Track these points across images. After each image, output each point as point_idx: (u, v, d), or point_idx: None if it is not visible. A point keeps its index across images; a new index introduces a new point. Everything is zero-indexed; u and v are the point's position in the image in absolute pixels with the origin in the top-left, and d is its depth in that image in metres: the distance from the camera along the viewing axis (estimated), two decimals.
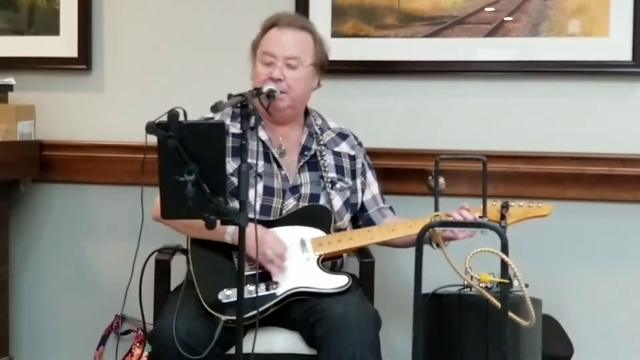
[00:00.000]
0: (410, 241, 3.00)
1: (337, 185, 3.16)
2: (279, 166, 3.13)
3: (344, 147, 3.26)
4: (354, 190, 3.23)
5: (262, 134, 3.05)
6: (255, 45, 3.19)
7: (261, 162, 3.00)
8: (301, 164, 3.16)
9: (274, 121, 3.15)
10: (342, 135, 3.29)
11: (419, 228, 2.96)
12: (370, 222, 3.25)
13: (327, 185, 3.14)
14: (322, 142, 3.21)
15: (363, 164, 3.28)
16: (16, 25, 3.95)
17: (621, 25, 3.40)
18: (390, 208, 3.30)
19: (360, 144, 3.32)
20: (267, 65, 3.09)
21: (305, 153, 3.17)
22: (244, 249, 2.47)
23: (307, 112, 3.26)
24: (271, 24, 3.16)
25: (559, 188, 3.36)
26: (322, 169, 3.16)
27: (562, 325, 3.31)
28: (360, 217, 3.27)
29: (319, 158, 3.17)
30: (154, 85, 3.80)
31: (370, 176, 3.30)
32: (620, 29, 3.40)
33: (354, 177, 3.23)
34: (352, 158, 3.26)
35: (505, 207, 2.99)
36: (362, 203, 3.26)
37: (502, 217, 2.99)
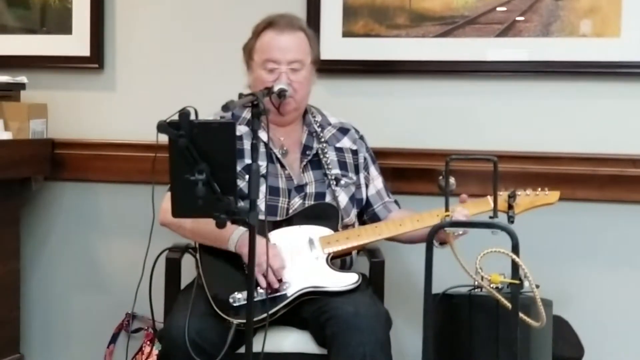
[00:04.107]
0: (417, 236, 3.03)
1: (342, 182, 3.16)
2: (282, 166, 3.13)
3: (345, 142, 3.26)
4: (358, 186, 3.22)
5: (263, 135, 3.04)
6: (249, 49, 3.16)
7: (264, 163, 3.00)
8: (304, 163, 3.16)
9: (274, 121, 3.14)
10: (343, 130, 3.29)
11: (426, 222, 3.00)
12: (375, 217, 3.25)
13: (331, 182, 3.14)
14: (323, 139, 3.21)
15: (365, 158, 3.28)
16: (29, 24, 3.96)
17: (633, 26, 3.39)
18: (396, 202, 3.30)
19: (362, 137, 3.31)
20: (270, 72, 3.08)
21: (307, 153, 3.17)
22: (254, 249, 2.46)
23: (305, 110, 3.25)
24: (264, 27, 3.14)
25: (570, 188, 3.34)
26: (325, 166, 3.16)
27: (572, 326, 3.30)
28: (365, 212, 3.26)
29: (321, 156, 3.17)
30: (165, 84, 3.81)
31: (373, 170, 3.30)
32: (631, 29, 3.39)
33: (357, 172, 3.23)
34: (355, 152, 3.25)
35: (512, 197, 2.99)
36: (367, 198, 3.25)
37: (510, 207, 2.99)
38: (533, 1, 3.47)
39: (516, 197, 3.01)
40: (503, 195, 2.99)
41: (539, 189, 3.08)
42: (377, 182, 3.28)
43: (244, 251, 2.82)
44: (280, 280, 2.89)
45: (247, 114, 3.15)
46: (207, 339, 2.76)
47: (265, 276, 2.82)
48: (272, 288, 2.87)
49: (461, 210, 2.94)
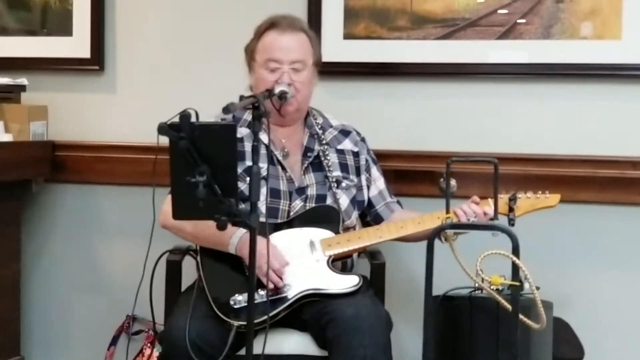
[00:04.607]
0: (421, 236, 3.02)
1: (343, 184, 3.16)
2: (283, 168, 3.13)
3: (347, 144, 3.26)
4: (359, 188, 3.22)
5: (264, 137, 3.04)
6: (251, 50, 3.16)
7: (265, 165, 3.00)
8: (305, 165, 3.16)
9: (276, 123, 3.14)
10: (345, 132, 3.29)
11: (428, 224, 3.00)
12: (378, 218, 3.25)
13: (332, 184, 3.14)
14: (324, 141, 3.21)
15: (367, 160, 3.28)
16: (29, 25, 3.97)
17: (634, 28, 3.39)
18: (398, 202, 3.30)
19: (363, 139, 3.31)
20: (272, 71, 3.08)
21: (308, 155, 3.17)
22: (255, 251, 2.46)
23: (307, 112, 3.25)
24: (266, 28, 3.14)
25: (570, 191, 3.34)
26: (327, 168, 3.16)
27: (572, 328, 3.30)
28: (368, 214, 3.27)
29: (323, 158, 3.17)
30: (166, 86, 3.81)
31: (375, 171, 3.29)
32: (632, 31, 3.39)
33: (358, 174, 3.23)
34: (356, 155, 3.25)
35: (513, 199, 2.99)
36: (369, 199, 3.25)
37: (510, 209, 2.99)
38: (534, 4, 3.47)
39: (517, 200, 3.01)
40: (504, 198, 3.00)
41: (540, 192, 3.08)
42: (379, 182, 3.28)
43: (245, 253, 2.82)
44: (281, 279, 2.90)
45: (247, 115, 3.15)
46: (208, 341, 2.76)
47: (266, 278, 2.82)
48: (276, 288, 2.88)
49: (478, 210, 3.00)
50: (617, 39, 3.41)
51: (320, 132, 3.22)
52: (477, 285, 2.79)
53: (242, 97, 2.62)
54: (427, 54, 3.57)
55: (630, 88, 3.44)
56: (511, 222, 2.97)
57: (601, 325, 3.45)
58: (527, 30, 3.49)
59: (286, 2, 3.55)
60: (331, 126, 3.28)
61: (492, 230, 2.67)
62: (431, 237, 2.67)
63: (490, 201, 2.95)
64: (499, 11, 3.51)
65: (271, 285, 2.87)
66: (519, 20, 3.49)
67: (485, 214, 2.99)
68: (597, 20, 3.42)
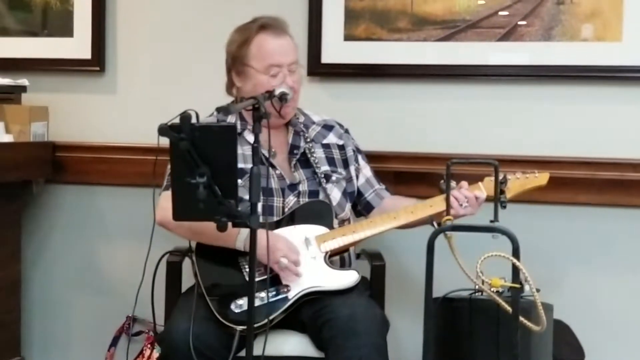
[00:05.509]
0: (415, 222, 3.06)
1: (333, 178, 3.16)
2: (273, 166, 3.13)
3: (331, 138, 3.26)
4: (349, 179, 3.22)
5: (250, 137, 3.02)
6: (242, 57, 3.12)
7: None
8: (294, 162, 3.16)
9: (273, 125, 3.12)
10: (328, 127, 3.29)
11: (421, 213, 3.01)
12: (369, 206, 3.25)
13: (321, 180, 3.13)
14: (309, 139, 3.21)
15: (354, 151, 3.28)
16: (30, 26, 3.97)
17: (634, 30, 3.39)
18: (386, 189, 3.30)
19: (346, 131, 3.31)
20: (273, 76, 3.06)
21: (295, 152, 3.18)
22: (255, 252, 2.46)
23: None
24: (257, 31, 3.11)
25: (570, 193, 3.35)
26: (314, 164, 3.16)
27: (573, 330, 3.30)
28: (358, 203, 3.27)
29: (309, 155, 3.17)
30: (166, 87, 3.81)
31: (361, 160, 3.30)
32: (633, 33, 3.39)
33: (346, 166, 3.23)
34: (342, 147, 3.26)
35: (503, 182, 2.98)
36: (358, 188, 3.25)
37: (502, 192, 2.98)
38: (535, 5, 3.47)
39: (507, 182, 3.01)
40: (494, 180, 2.98)
41: (529, 171, 3.08)
42: (365, 170, 3.29)
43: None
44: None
45: (231, 118, 3.14)
46: (207, 343, 2.76)
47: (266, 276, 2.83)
48: (296, 276, 2.91)
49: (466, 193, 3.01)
50: (618, 41, 3.41)
51: (304, 129, 3.22)
52: (477, 287, 2.79)
53: (242, 99, 2.62)
54: (428, 56, 3.57)
55: (631, 90, 3.43)
56: (503, 204, 2.95)
57: (601, 327, 3.45)
58: (527, 32, 3.49)
59: (286, 3, 3.56)
60: (313, 122, 3.28)
61: (493, 232, 2.67)
62: (431, 239, 2.66)
63: (481, 184, 3.01)
64: (500, 13, 3.51)
65: (291, 278, 2.90)
66: (519, 22, 3.49)
67: (476, 197, 2.99)
68: (598, 22, 3.42)
